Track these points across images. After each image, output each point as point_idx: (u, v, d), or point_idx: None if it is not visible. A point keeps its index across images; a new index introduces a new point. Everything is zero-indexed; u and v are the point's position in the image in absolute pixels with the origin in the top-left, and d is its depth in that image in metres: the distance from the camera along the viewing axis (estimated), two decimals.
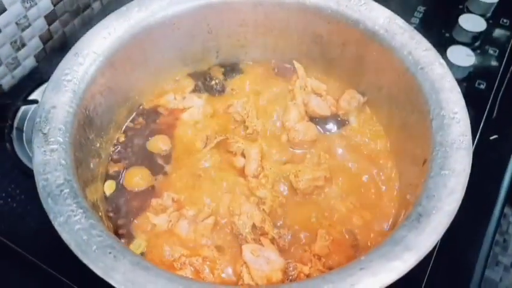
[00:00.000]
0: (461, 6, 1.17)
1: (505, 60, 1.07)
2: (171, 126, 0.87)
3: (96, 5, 1.19)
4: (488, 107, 0.99)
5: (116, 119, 0.84)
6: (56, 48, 1.11)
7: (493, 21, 1.14)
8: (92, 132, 0.75)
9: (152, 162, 0.83)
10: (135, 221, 0.76)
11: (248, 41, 0.93)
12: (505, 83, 1.04)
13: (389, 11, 0.80)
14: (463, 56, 1.04)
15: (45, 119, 0.65)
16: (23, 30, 1.01)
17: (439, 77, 0.72)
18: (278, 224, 0.75)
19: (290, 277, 0.69)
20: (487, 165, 0.88)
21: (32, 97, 0.95)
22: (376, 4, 0.81)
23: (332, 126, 0.89)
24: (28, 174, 0.80)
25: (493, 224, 0.84)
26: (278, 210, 0.77)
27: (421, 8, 1.17)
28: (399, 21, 0.79)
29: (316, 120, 0.89)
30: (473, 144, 0.66)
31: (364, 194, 0.79)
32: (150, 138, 0.86)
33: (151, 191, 0.79)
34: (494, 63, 1.07)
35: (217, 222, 0.75)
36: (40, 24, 1.05)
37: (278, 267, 0.69)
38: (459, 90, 0.70)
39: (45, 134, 0.64)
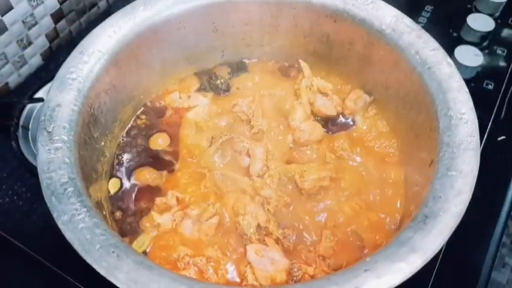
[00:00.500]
0: (469, 6, 1.16)
1: None
2: (176, 125, 0.87)
3: (102, 4, 1.19)
4: (496, 107, 0.98)
5: (121, 118, 0.84)
6: (62, 47, 1.11)
7: (501, 20, 1.13)
8: (96, 131, 0.75)
9: (156, 161, 0.83)
10: (139, 219, 0.76)
11: (254, 40, 0.93)
12: None
13: (396, 10, 0.79)
14: (471, 56, 1.03)
15: (50, 117, 0.65)
16: (29, 28, 1.01)
17: (446, 76, 0.71)
18: (283, 224, 0.75)
19: (294, 278, 0.69)
20: (494, 166, 0.87)
21: (38, 95, 0.95)
22: (383, 3, 0.80)
23: (337, 126, 0.88)
24: (34, 173, 0.80)
25: (500, 225, 0.83)
26: (283, 210, 0.76)
27: (429, 7, 1.16)
28: (406, 20, 0.78)
29: (322, 119, 0.88)
30: (480, 146, 0.65)
31: (370, 194, 0.79)
32: (152, 136, 0.86)
33: (155, 190, 0.79)
34: (502, 63, 1.06)
35: (222, 222, 0.75)
36: (47, 22, 1.05)
37: (282, 268, 0.68)
38: (467, 90, 0.70)
39: (49, 132, 0.64)
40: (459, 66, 1.00)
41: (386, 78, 0.83)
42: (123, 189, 0.80)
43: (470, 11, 1.14)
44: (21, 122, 0.91)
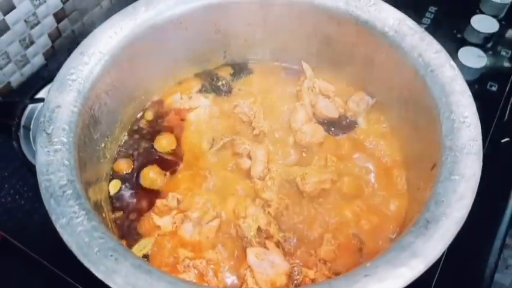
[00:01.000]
0: (473, 7, 1.15)
1: None
2: (177, 126, 0.87)
3: (105, 3, 1.19)
4: (499, 109, 0.97)
5: (122, 119, 0.84)
6: (64, 46, 1.11)
7: (505, 22, 1.12)
8: (97, 132, 0.74)
9: (157, 163, 0.83)
10: (139, 222, 0.76)
11: (256, 41, 0.92)
12: None
13: (399, 12, 0.79)
14: (475, 58, 1.03)
15: (49, 118, 0.65)
16: (32, 27, 1.01)
17: (449, 79, 0.70)
18: (283, 227, 0.74)
19: (295, 281, 0.68)
20: (497, 168, 0.86)
21: (39, 95, 0.95)
22: (386, 5, 0.80)
23: (339, 129, 0.87)
24: (35, 172, 0.80)
25: (503, 227, 0.83)
26: (284, 213, 0.76)
27: (433, 9, 1.15)
28: (409, 22, 0.77)
29: (324, 121, 0.88)
30: (484, 147, 0.64)
31: (371, 197, 0.78)
32: (156, 137, 0.86)
33: (156, 192, 0.79)
34: (506, 64, 1.05)
35: (222, 225, 0.74)
36: (49, 22, 1.05)
37: (283, 271, 0.68)
38: (470, 93, 0.69)
39: (49, 134, 0.63)
40: (462, 67, 1.00)
41: (389, 80, 0.82)
42: (123, 190, 0.79)
43: (474, 12, 1.13)
44: (22, 122, 0.91)
